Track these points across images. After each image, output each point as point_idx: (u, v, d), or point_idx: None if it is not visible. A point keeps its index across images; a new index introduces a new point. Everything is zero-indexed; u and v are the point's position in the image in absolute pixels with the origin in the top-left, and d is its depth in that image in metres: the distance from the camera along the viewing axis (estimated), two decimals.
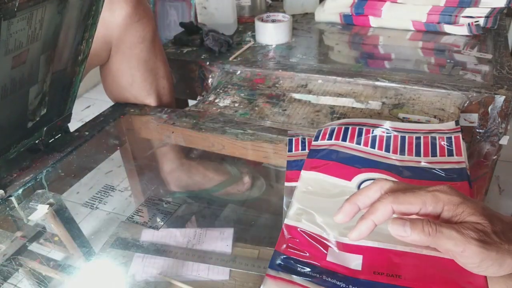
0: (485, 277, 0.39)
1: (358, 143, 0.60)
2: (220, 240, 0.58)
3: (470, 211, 0.37)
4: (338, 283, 0.41)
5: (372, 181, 0.51)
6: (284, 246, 0.46)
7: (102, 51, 0.78)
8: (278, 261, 0.44)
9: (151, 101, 0.84)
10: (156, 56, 0.83)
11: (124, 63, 0.80)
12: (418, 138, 0.60)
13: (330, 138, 0.61)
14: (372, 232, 0.46)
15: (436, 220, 0.39)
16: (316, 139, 0.63)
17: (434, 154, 0.56)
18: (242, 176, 0.81)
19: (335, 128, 0.63)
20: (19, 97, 0.60)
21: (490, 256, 0.35)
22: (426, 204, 0.39)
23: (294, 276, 0.42)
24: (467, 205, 0.38)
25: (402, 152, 0.58)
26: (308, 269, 0.43)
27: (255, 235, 0.62)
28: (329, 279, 0.42)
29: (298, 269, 0.43)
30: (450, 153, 0.56)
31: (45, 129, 0.67)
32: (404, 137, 0.60)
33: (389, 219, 0.39)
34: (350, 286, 0.41)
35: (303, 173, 0.56)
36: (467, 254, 0.36)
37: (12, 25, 0.50)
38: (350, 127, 0.63)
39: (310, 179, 0.55)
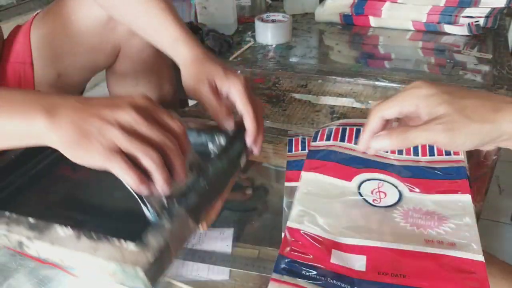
0: (487, 274, 0.39)
1: (357, 143, 0.60)
2: (220, 240, 0.58)
3: (438, 102, 0.42)
4: (343, 285, 0.41)
5: (370, 180, 0.52)
6: (288, 249, 0.46)
7: (110, 56, 0.79)
8: (283, 265, 0.44)
9: None
10: (161, 60, 0.83)
11: (130, 66, 0.80)
12: None
13: (328, 139, 0.61)
14: (375, 232, 0.46)
15: (415, 117, 0.45)
16: (315, 140, 0.63)
17: (432, 154, 0.56)
18: (244, 187, 0.80)
19: (333, 129, 0.63)
20: None
21: (461, 135, 0.41)
22: (404, 103, 0.45)
23: (299, 279, 0.42)
24: (435, 98, 0.43)
25: (400, 152, 0.58)
26: (313, 272, 0.43)
27: (255, 235, 0.62)
28: (334, 281, 0.42)
29: (303, 272, 0.43)
30: (448, 153, 0.56)
31: None
32: None
33: (381, 126, 0.46)
34: (355, 287, 0.41)
35: (303, 174, 0.56)
36: (441, 142, 0.42)
37: None
38: (348, 128, 0.63)
39: (310, 180, 0.55)
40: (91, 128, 0.38)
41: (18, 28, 0.78)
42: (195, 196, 0.43)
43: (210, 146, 0.56)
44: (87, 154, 0.37)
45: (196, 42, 0.59)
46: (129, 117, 0.39)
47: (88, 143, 0.37)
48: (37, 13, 0.78)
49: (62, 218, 0.43)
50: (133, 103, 0.40)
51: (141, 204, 0.40)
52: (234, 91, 0.52)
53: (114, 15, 0.68)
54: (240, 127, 0.54)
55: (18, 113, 0.39)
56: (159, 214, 0.40)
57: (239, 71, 0.90)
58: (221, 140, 0.55)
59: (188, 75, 0.56)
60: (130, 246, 0.37)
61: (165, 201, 0.41)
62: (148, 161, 0.38)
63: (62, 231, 0.40)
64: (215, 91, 0.53)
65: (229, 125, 0.54)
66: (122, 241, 0.38)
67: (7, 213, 0.42)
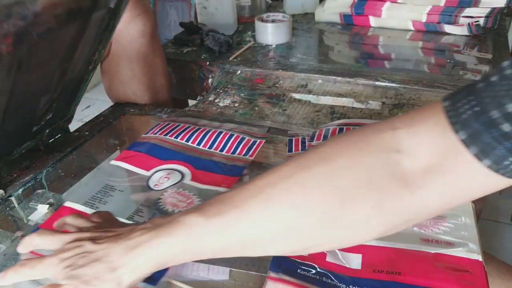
0: (485, 273, 0.40)
1: None
2: None
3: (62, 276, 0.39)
4: (339, 283, 0.42)
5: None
6: None
7: None
8: (279, 263, 0.44)
9: (148, 97, 0.84)
10: (155, 52, 0.83)
11: (124, 57, 0.80)
12: None
13: (325, 139, 0.62)
14: None
15: None
16: (312, 139, 0.63)
17: None
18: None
19: (330, 129, 0.64)
20: (30, 106, 0.60)
21: None
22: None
23: (296, 278, 0.43)
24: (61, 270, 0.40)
25: None
26: (309, 270, 0.43)
27: None
28: (330, 280, 0.42)
29: (299, 270, 0.43)
30: None
31: (47, 130, 0.67)
32: None
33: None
34: (350, 286, 0.41)
35: None
36: None
37: (34, 47, 0.50)
38: (345, 128, 0.63)
39: None
40: None
41: None
42: None
43: None
44: None
45: None
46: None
47: None
48: None
49: None
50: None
51: None
52: None
53: None
54: None
55: None
56: None
57: (239, 71, 0.91)
58: None
59: None
60: None
61: None
62: None
63: None
64: None
65: None
66: None
67: None
